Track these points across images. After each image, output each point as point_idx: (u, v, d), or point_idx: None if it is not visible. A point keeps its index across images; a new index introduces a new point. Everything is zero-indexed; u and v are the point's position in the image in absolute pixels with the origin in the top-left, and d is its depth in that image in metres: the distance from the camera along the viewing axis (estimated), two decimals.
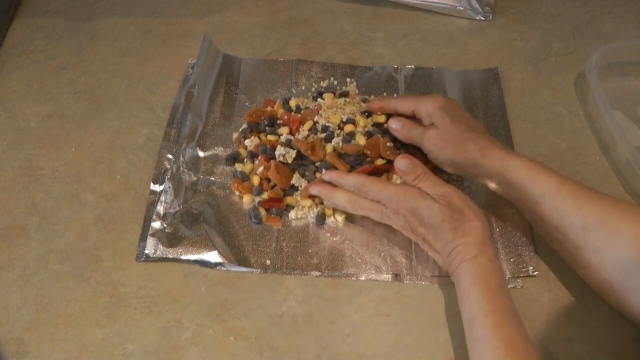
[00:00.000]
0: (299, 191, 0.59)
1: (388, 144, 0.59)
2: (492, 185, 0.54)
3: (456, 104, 0.58)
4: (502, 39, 0.77)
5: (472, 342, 0.46)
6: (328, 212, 0.58)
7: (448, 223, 0.50)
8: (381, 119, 0.62)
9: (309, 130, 0.61)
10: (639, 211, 0.47)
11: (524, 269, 0.55)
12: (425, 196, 0.51)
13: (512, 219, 0.58)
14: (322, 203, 0.58)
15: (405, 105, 0.59)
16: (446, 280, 0.54)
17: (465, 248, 0.49)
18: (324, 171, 0.58)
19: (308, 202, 0.58)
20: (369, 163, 0.59)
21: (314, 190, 0.57)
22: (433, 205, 0.50)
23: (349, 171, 0.57)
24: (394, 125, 0.58)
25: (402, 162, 0.53)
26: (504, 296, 0.47)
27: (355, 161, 0.58)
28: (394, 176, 0.57)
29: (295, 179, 0.59)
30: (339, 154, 0.59)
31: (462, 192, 0.52)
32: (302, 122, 0.62)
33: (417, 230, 0.52)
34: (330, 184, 0.57)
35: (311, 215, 0.58)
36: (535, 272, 0.54)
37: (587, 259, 0.49)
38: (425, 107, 0.57)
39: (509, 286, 0.51)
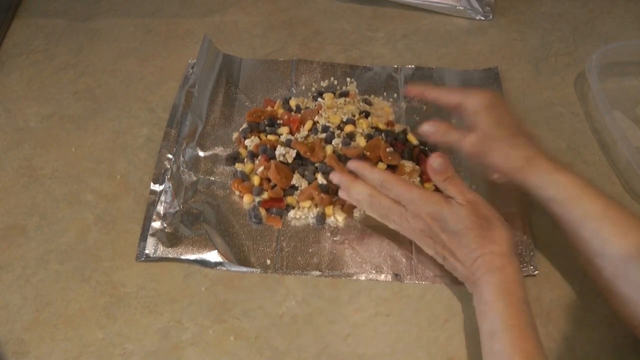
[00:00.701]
0: (298, 191, 0.59)
1: (388, 149, 0.59)
2: (534, 198, 0.51)
3: (504, 104, 0.55)
4: (502, 39, 0.77)
5: (491, 355, 0.45)
6: (328, 212, 0.58)
7: (474, 230, 0.47)
8: (381, 123, 0.62)
9: (309, 130, 0.61)
10: None
11: (524, 269, 0.54)
12: (451, 202, 0.49)
13: (512, 218, 0.57)
14: (325, 203, 0.58)
15: (450, 96, 0.55)
16: (446, 280, 0.54)
17: (491, 258, 0.47)
18: (320, 178, 0.57)
19: (307, 203, 0.58)
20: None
21: (335, 178, 0.54)
22: (460, 211, 0.48)
23: None
24: (428, 128, 0.54)
25: (437, 161, 0.49)
26: (526, 310, 0.45)
27: None
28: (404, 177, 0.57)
29: (296, 179, 0.59)
30: (339, 156, 0.59)
31: (487, 202, 0.49)
32: (302, 122, 0.62)
33: (438, 236, 0.50)
34: (353, 174, 0.54)
35: (311, 216, 0.58)
36: (536, 272, 0.54)
37: (624, 292, 0.46)
38: (472, 104, 0.53)
39: None
